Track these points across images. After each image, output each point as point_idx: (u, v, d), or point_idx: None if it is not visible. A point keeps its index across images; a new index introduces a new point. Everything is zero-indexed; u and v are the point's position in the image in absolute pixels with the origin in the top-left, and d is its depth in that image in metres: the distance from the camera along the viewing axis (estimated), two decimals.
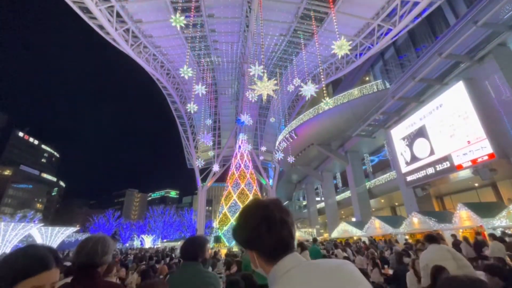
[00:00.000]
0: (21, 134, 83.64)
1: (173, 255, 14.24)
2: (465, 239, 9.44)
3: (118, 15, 16.62)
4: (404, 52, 22.31)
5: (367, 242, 14.57)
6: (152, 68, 22.82)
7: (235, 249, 17.56)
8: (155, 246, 40.20)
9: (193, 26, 19.78)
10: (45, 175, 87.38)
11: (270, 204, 0.90)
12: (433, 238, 3.70)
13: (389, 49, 23.47)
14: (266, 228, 0.84)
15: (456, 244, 8.90)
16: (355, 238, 18.34)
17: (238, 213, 0.99)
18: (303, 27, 19.93)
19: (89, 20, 15.75)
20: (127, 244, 53.40)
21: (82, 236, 44.72)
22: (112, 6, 15.66)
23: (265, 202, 0.91)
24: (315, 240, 9.77)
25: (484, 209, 10.73)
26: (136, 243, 51.61)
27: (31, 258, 1.03)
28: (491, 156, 10.77)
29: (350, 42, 9.10)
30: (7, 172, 73.92)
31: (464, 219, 10.95)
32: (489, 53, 11.35)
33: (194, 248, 2.11)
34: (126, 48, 18.42)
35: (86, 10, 14.92)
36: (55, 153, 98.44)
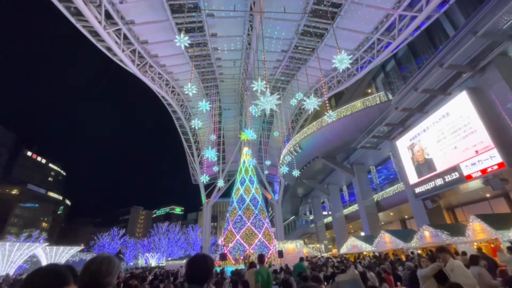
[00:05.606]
0: (29, 153, 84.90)
1: (178, 275, 13.89)
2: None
3: (125, 37, 17.27)
4: (405, 64, 22.53)
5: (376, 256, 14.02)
6: (157, 86, 23.37)
7: (241, 266, 17.06)
8: (160, 265, 39.35)
9: (196, 45, 20.44)
10: (51, 194, 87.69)
11: None
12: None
13: (390, 62, 23.75)
14: None
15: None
16: (365, 253, 17.73)
17: None
18: (304, 43, 20.40)
19: (97, 43, 16.39)
20: (132, 263, 52.40)
21: (86, 256, 44.08)
22: (119, 29, 16.32)
23: None
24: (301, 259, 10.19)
25: (499, 221, 10.34)
26: (141, 262, 50.65)
27: (51, 274, 1.13)
28: (500, 165, 10.53)
29: (351, 56, 9.24)
30: (14, 192, 74.46)
31: (478, 232, 10.55)
32: (490, 63, 11.38)
33: (205, 268, 1.83)
34: (132, 68, 18.99)
35: (95, 33, 15.58)
36: (62, 172, 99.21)
